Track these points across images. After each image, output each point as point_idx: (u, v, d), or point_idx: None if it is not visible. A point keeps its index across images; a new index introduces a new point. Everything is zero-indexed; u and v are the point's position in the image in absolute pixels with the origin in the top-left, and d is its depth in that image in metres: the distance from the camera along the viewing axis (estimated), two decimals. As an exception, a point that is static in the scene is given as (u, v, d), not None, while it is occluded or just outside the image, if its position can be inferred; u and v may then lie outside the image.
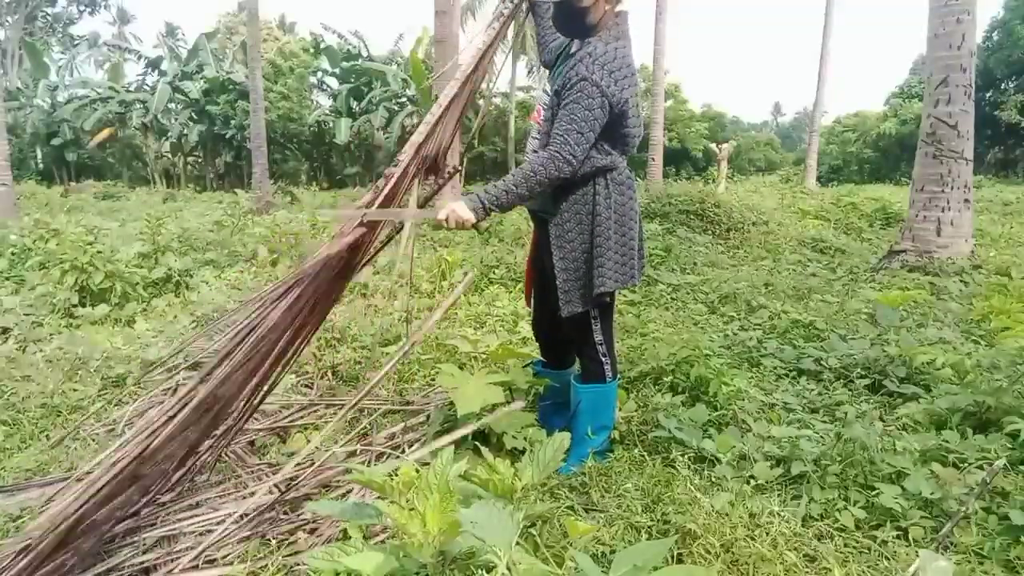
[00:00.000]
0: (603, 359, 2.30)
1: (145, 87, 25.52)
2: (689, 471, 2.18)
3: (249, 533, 1.92)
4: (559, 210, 2.19)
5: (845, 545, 1.86)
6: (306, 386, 3.28)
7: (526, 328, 4.00)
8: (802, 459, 2.20)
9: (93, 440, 2.76)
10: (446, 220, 2.04)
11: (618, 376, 2.41)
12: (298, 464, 2.15)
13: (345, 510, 1.63)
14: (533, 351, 2.86)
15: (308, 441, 2.66)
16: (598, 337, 2.29)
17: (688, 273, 6.04)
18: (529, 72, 24.60)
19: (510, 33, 2.53)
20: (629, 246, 2.24)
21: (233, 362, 1.78)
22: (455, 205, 2.03)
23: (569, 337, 2.41)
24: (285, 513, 2.06)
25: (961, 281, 5.54)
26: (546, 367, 2.63)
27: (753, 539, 1.81)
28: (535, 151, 2.22)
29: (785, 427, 2.51)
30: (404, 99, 22.86)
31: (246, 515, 2.00)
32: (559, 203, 2.19)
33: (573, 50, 2.21)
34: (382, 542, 1.71)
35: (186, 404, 1.70)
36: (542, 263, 2.33)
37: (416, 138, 2.18)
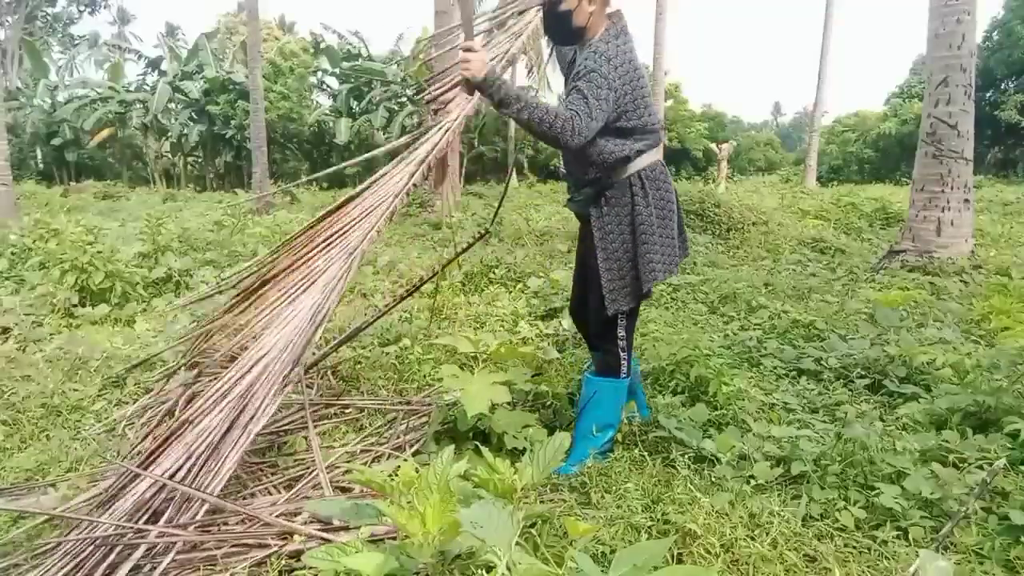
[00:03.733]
0: (622, 354, 2.35)
1: (145, 87, 25.50)
2: (689, 471, 2.18)
3: (250, 535, 1.91)
4: (601, 212, 2.25)
5: (845, 545, 1.86)
6: (307, 386, 3.28)
7: (526, 328, 4.00)
8: (802, 459, 2.20)
9: (94, 440, 2.76)
10: (468, 53, 1.96)
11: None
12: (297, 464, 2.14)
13: (345, 510, 1.63)
14: (533, 351, 2.87)
15: (306, 440, 2.67)
16: (621, 333, 2.34)
17: (688, 273, 6.04)
18: (529, 72, 24.54)
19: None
20: (670, 236, 2.31)
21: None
22: (484, 56, 1.98)
23: (594, 330, 2.43)
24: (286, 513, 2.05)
25: (961, 281, 5.54)
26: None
27: (753, 539, 1.81)
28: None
29: (785, 427, 2.51)
30: (404, 99, 22.85)
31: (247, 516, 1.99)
32: (600, 206, 2.25)
33: (577, 57, 2.24)
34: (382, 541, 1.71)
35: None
36: (584, 258, 2.41)
37: None
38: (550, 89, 20.06)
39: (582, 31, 2.17)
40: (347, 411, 2.91)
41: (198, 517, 1.85)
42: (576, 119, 2.00)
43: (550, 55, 2.62)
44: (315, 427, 2.78)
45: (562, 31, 2.21)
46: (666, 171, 2.34)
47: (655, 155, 2.28)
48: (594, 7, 2.16)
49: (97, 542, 1.74)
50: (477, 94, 2.12)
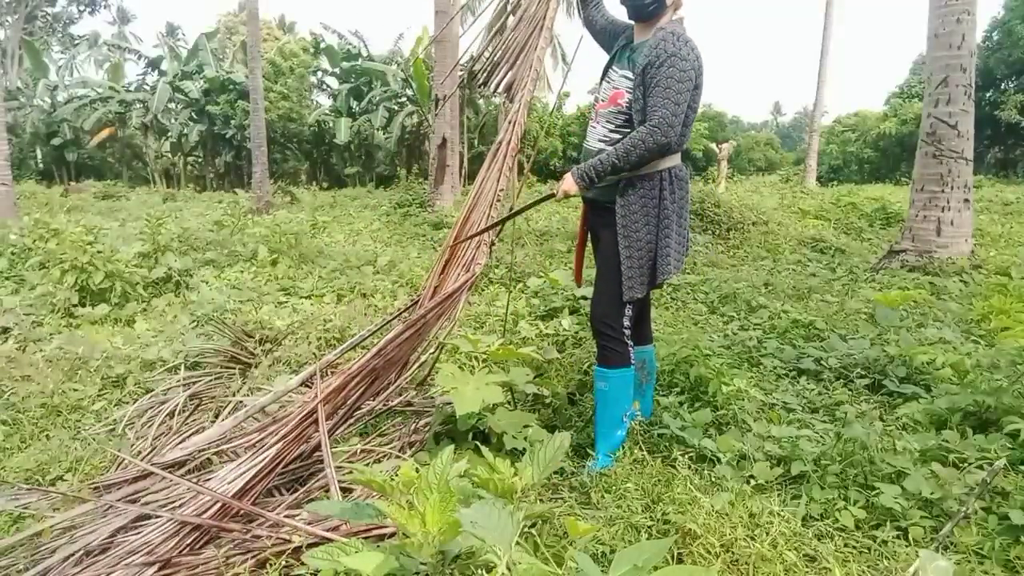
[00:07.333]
0: (628, 343, 2.40)
1: (145, 87, 25.49)
2: (689, 471, 2.18)
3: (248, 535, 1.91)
4: (627, 201, 2.30)
5: (845, 545, 1.87)
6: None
7: (526, 328, 4.00)
8: (802, 459, 2.21)
9: (93, 440, 2.76)
10: (561, 189, 2.33)
11: None
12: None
13: (345, 510, 1.63)
14: (533, 351, 2.86)
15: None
16: (626, 323, 2.39)
17: (688, 273, 6.04)
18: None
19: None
20: (684, 235, 2.42)
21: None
22: (566, 183, 2.31)
23: (601, 318, 2.44)
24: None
25: (961, 281, 5.54)
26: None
27: (753, 539, 1.81)
28: (606, 134, 2.36)
29: (785, 427, 2.51)
30: (404, 99, 22.84)
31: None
32: (627, 195, 2.30)
33: (641, 39, 2.32)
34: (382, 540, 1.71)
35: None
36: (595, 247, 2.50)
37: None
38: (549, 89, 20.06)
39: (661, 9, 2.27)
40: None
41: (205, 515, 1.85)
42: (663, 121, 2.13)
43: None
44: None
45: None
46: (687, 176, 2.44)
47: (679, 158, 2.38)
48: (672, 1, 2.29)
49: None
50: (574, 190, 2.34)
